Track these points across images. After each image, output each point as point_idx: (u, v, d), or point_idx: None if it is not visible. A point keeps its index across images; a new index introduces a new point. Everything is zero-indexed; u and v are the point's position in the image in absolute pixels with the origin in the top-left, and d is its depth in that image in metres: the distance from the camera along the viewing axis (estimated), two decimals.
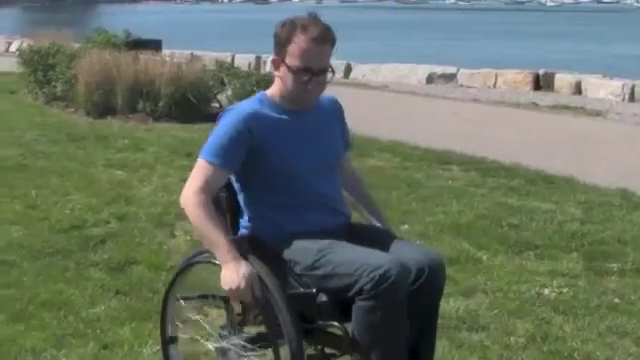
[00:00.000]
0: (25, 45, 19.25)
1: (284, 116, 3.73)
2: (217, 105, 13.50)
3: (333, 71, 3.76)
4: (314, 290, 3.53)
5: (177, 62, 14.00)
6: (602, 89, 16.54)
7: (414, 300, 3.50)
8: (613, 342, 4.84)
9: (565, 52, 27.39)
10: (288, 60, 3.63)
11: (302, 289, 3.57)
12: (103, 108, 13.32)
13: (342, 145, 3.95)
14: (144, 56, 14.16)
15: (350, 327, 3.52)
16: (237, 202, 3.82)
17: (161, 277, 5.61)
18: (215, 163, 3.63)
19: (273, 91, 3.77)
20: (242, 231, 3.80)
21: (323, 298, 3.53)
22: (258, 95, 3.82)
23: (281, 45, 3.65)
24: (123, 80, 13.28)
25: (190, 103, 12.89)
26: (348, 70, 20.56)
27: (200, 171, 3.65)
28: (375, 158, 9.89)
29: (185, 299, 3.99)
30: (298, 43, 3.60)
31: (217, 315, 4.45)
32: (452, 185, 8.61)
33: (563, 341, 4.81)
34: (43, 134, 11.29)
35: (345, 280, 3.45)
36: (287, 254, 3.63)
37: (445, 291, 5.26)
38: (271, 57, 3.82)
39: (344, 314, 3.53)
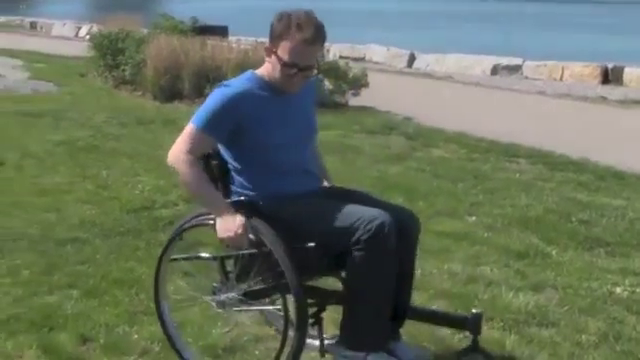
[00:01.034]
0: (95, 30, 19.48)
1: (270, 94, 4.00)
2: None
3: (318, 68, 4.08)
4: (312, 244, 3.75)
5: (243, 48, 14.05)
6: None
7: (398, 247, 3.83)
8: None
9: (634, 45, 26.91)
10: (279, 53, 3.91)
11: (301, 244, 3.78)
12: (170, 92, 13.46)
13: (316, 120, 4.29)
14: (211, 42, 14.24)
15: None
16: (227, 170, 4.08)
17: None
18: (204, 131, 3.91)
19: (262, 72, 4.03)
20: (234, 197, 4.04)
21: (320, 251, 3.79)
22: (248, 74, 4.08)
23: (275, 37, 3.92)
24: (190, 65, 13.38)
25: None
26: (412, 60, 20.48)
27: (189, 135, 3.93)
28: (441, 149, 9.85)
29: (178, 260, 4.27)
30: (291, 41, 3.88)
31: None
32: (519, 178, 8.54)
33: (637, 342, 4.68)
34: (112, 116, 11.42)
35: (342, 233, 3.75)
36: (282, 214, 3.89)
37: (513, 285, 5.33)
38: (266, 45, 4.02)
39: (339, 265, 3.88)
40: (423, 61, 20.20)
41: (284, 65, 3.90)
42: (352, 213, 3.80)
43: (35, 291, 5.13)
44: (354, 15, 40.89)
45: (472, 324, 3.95)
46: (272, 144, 3.97)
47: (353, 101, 13.27)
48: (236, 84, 4.01)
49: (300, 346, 3.81)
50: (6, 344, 4.43)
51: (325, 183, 4.29)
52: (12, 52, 20.25)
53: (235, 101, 3.92)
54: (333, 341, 3.99)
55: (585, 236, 6.49)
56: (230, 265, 4.09)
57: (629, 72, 17.16)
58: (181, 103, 13.13)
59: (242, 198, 4.00)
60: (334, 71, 13.40)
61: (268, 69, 4.00)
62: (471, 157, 9.54)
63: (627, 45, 26.23)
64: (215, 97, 3.96)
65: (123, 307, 4.91)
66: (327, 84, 13.31)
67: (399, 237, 3.84)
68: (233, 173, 4.06)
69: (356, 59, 20.04)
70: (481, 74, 18.61)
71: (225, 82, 4.09)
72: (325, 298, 4.04)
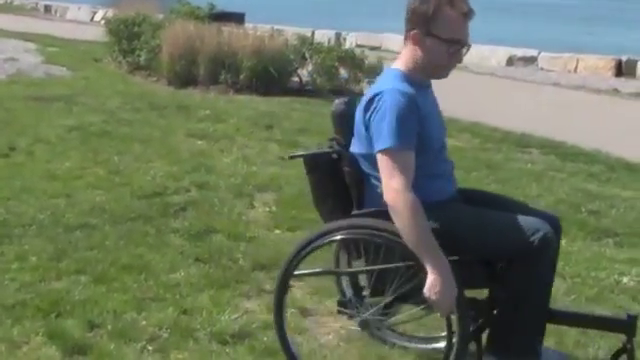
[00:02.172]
0: (110, 14, 19.49)
1: (422, 91, 3.75)
2: (297, 79, 13.55)
3: (470, 45, 3.77)
4: (470, 257, 3.65)
5: (259, 35, 14.05)
6: None
7: None
8: None
9: None
10: (438, 32, 3.65)
11: (460, 257, 3.62)
12: (185, 78, 13.47)
13: None
14: (227, 29, 14.25)
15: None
16: (361, 178, 3.79)
17: (240, 247, 5.67)
18: (405, 149, 3.56)
19: (406, 67, 3.75)
20: (369, 207, 3.76)
21: (478, 264, 3.68)
22: (394, 72, 3.76)
23: (427, 18, 3.65)
24: (206, 51, 13.39)
25: (271, 76, 12.95)
26: None
27: (399, 162, 3.54)
28: (454, 138, 9.83)
29: (306, 275, 4.01)
30: (450, 16, 3.64)
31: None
32: (531, 168, 8.54)
33: None
34: (126, 102, 11.43)
35: (503, 246, 3.60)
36: (441, 225, 3.60)
37: None
38: (412, 32, 3.72)
39: (494, 278, 3.71)
40: None
41: (449, 42, 3.64)
42: (513, 224, 3.61)
43: (43, 277, 5.11)
44: (371, 3, 40.79)
45: (628, 327, 3.72)
46: (432, 144, 3.71)
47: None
48: (400, 85, 3.65)
49: None
50: (12, 330, 4.39)
51: None
52: (25, 35, 20.20)
53: (415, 103, 3.60)
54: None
55: (594, 226, 6.51)
56: (363, 280, 3.87)
57: None
58: (195, 89, 13.15)
59: (374, 208, 3.70)
60: (350, 60, 13.41)
61: (414, 59, 3.73)
62: (484, 147, 9.56)
63: None
64: (394, 106, 3.56)
65: (132, 293, 4.90)
66: (343, 73, 13.32)
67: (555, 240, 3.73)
68: (373, 181, 3.71)
69: (372, 48, 20.01)
70: (496, 65, 18.57)
71: (384, 89, 3.65)
72: (485, 312, 3.79)
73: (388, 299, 3.72)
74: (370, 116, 3.64)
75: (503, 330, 3.72)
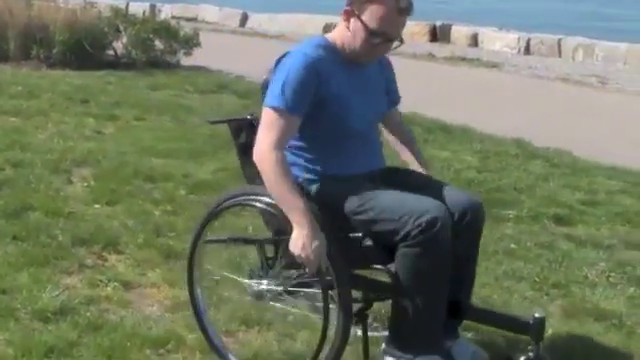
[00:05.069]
0: None
1: (344, 65, 3.66)
2: (112, 52, 13.31)
3: (402, 40, 3.68)
4: (360, 234, 3.53)
5: (71, 8, 13.73)
6: (498, 42, 16.81)
7: (457, 241, 3.51)
8: (510, 286, 4.95)
9: (462, 3, 27.60)
10: (366, 19, 3.54)
11: (348, 234, 3.54)
12: None
13: (386, 98, 3.95)
14: (37, 1, 13.86)
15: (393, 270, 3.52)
16: None
17: (58, 223, 5.52)
18: (289, 111, 3.50)
19: (335, 38, 3.70)
20: None
21: (368, 242, 3.53)
22: (317, 39, 3.73)
23: (362, 1, 3.55)
24: (16, 26, 12.93)
25: (85, 50, 12.65)
26: (244, 19, 20.43)
27: (274, 121, 3.49)
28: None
29: (214, 242, 3.94)
30: (383, 8, 3.52)
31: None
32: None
33: None
34: None
35: (390, 225, 3.43)
36: (332, 199, 3.57)
37: None
38: (346, 7, 3.65)
39: (389, 258, 3.52)
40: (255, 21, 20.16)
41: (370, 33, 3.53)
42: (403, 204, 3.44)
43: None
44: None
45: (534, 329, 3.51)
46: (341, 117, 3.61)
47: (185, 61, 13.16)
48: (310, 50, 3.60)
49: (341, 345, 3.52)
50: None
51: (421, 170, 4.01)
52: None
53: (315, 67, 3.52)
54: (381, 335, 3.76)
55: None
56: (270, 251, 3.76)
57: (456, 30, 17.62)
58: (6, 65, 12.65)
59: (299, 180, 3.62)
60: (165, 31, 13.27)
61: (343, 35, 3.64)
62: None
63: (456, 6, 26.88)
64: (291, 67, 3.52)
65: None
66: (158, 44, 13.18)
67: (463, 229, 3.57)
68: (287, 153, 3.60)
69: (188, 19, 19.89)
70: (314, 32, 18.66)
71: (293, 50, 3.65)
72: (374, 291, 3.71)
73: (277, 269, 3.69)
74: (274, 75, 3.62)
75: (395, 318, 3.61)
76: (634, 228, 6.21)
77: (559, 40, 16.27)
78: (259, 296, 3.77)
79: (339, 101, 3.61)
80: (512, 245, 5.62)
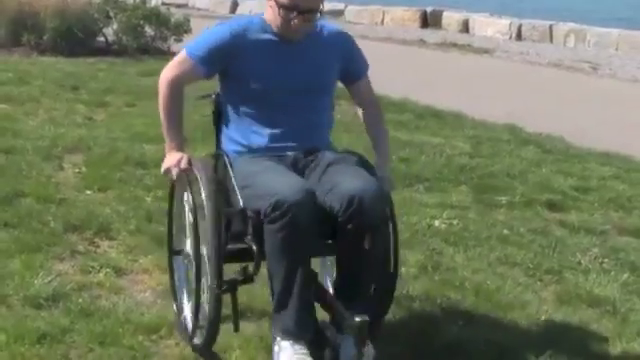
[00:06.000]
0: None
1: (272, 39, 3.83)
2: (103, 39, 13.26)
3: (321, 12, 3.80)
4: (241, 206, 3.59)
5: None
6: (489, 28, 16.82)
7: (344, 229, 3.52)
8: (503, 272, 4.96)
9: None
10: None
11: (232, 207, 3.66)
12: None
13: (336, 75, 4.04)
14: None
15: None
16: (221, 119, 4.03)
17: (50, 210, 5.50)
18: (193, 58, 3.85)
19: (266, 16, 3.86)
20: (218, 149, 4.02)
21: (250, 215, 3.56)
22: (250, 17, 3.98)
23: None
24: (6, 12, 12.88)
25: (75, 36, 12.61)
26: (234, 6, 20.75)
27: (180, 61, 3.90)
28: None
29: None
30: None
31: None
32: (340, 119, 8.58)
33: (454, 271, 4.90)
34: None
35: (259, 202, 3.50)
36: (239, 172, 3.72)
37: None
38: None
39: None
40: (246, 7, 20.11)
41: (282, 7, 3.70)
42: (268, 184, 3.52)
43: None
44: None
45: (356, 330, 3.38)
46: (263, 91, 3.77)
47: (176, 47, 13.10)
48: (238, 21, 3.94)
49: (214, 319, 3.60)
50: None
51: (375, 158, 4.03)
52: None
53: (232, 37, 3.81)
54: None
55: (405, 173, 6.64)
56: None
57: (447, 16, 17.61)
58: None
59: (219, 152, 3.91)
60: (155, 18, 13.23)
61: (269, 13, 3.81)
62: None
63: None
64: (213, 29, 3.90)
65: None
66: (149, 30, 13.14)
67: (349, 216, 3.48)
68: (222, 124, 4.00)
69: (179, 5, 19.86)
70: None
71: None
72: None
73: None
74: None
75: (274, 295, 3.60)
76: (627, 214, 6.23)
77: (551, 26, 16.28)
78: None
79: (259, 73, 3.78)
80: (505, 231, 5.62)
